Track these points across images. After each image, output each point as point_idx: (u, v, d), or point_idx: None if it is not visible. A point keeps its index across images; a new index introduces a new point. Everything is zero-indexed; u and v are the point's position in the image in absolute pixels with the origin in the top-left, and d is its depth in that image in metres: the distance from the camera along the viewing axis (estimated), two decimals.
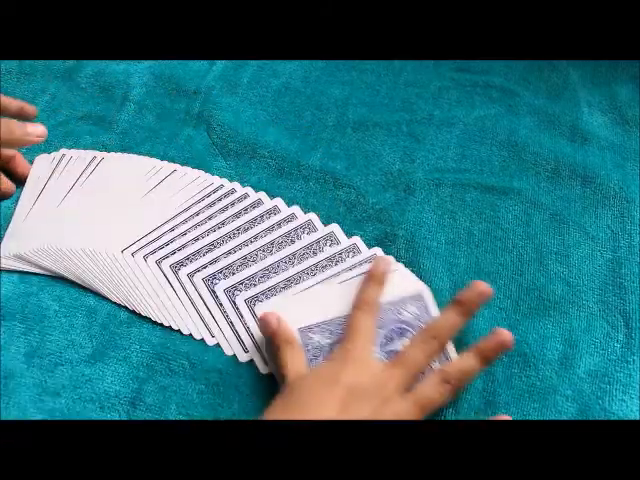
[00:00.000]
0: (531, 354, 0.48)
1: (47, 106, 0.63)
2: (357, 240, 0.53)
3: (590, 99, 0.63)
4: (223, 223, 0.53)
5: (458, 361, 0.45)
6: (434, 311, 0.48)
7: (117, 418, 0.45)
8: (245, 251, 0.52)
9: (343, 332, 0.46)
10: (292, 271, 0.51)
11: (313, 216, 0.54)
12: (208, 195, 0.55)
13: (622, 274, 0.52)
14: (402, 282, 0.49)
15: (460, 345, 0.49)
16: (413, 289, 0.49)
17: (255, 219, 0.54)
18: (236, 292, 0.50)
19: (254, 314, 0.49)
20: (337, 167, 0.59)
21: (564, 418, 0.45)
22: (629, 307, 0.50)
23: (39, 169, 0.57)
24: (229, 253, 0.52)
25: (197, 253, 0.52)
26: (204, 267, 0.51)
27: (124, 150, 0.60)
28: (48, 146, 0.59)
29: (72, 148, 0.60)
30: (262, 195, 0.56)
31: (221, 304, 0.49)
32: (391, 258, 0.51)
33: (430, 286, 0.52)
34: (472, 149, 0.60)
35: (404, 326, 0.47)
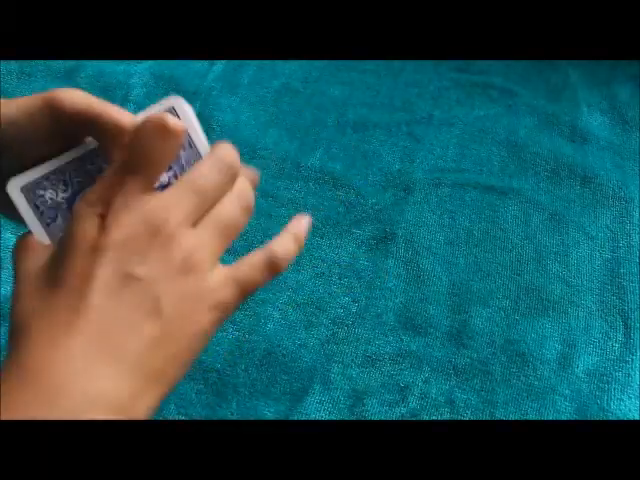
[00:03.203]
0: (530, 354, 0.48)
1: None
2: None
3: (590, 99, 0.63)
4: None
5: (281, 243, 0.31)
6: (195, 123, 0.35)
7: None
8: None
9: (83, 180, 0.33)
10: None
11: None
12: None
13: (621, 274, 0.52)
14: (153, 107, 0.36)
15: (459, 344, 0.49)
16: (165, 105, 0.35)
17: None
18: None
19: None
20: (337, 167, 0.59)
21: (562, 417, 0.46)
22: (628, 307, 0.50)
23: None
24: None
25: None
26: None
27: None
28: None
29: None
30: None
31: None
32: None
33: (430, 286, 0.52)
34: (471, 149, 0.60)
35: None
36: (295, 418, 0.46)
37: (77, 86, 0.67)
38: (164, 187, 0.34)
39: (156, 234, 0.28)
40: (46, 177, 0.34)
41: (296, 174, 0.58)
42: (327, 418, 0.46)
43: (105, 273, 0.27)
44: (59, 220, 0.35)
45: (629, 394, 0.46)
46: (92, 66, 0.65)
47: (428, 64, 0.66)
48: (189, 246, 0.28)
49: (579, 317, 0.50)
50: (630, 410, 0.46)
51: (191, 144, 0.35)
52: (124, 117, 0.34)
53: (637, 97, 0.63)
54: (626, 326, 0.49)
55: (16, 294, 0.29)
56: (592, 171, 0.58)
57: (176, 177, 0.35)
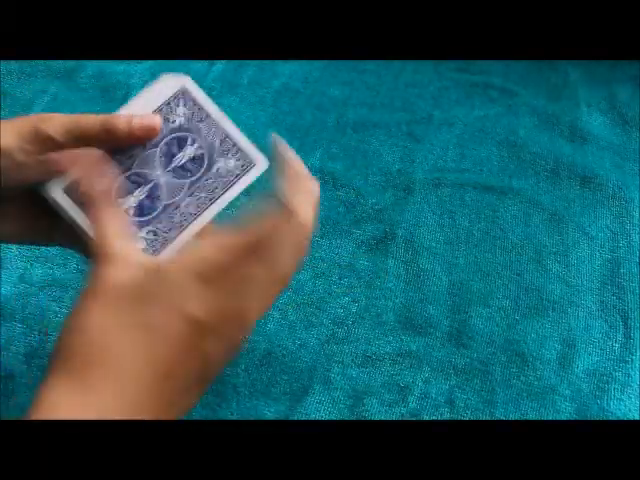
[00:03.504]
0: (529, 353, 0.48)
1: (48, 106, 0.63)
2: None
3: (589, 99, 0.63)
4: None
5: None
6: (206, 101, 0.39)
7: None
8: None
9: (116, 170, 0.36)
10: None
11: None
12: None
13: (621, 274, 0.52)
14: (157, 84, 0.38)
15: (459, 344, 0.49)
16: (173, 85, 0.38)
17: None
18: None
19: None
20: (337, 167, 0.59)
21: (562, 417, 0.46)
22: (628, 307, 0.50)
23: None
24: None
25: None
26: None
27: None
28: None
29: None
30: None
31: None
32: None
33: (430, 286, 0.52)
34: (471, 149, 0.60)
35: (181, 134, 0.38)
36: (295, 418, 0.46)
37: (77, 86, 0.68)
38: (193, 159, 0.38)
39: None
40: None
41: None
42: (327, 418, 0.46)
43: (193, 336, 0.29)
44: None
45: (629, 394, 0.46)
46: (92, 66, 0.65)
47: (428, 64, 0.66)
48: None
49: (579, 317, 0.50)
50: (630, 410, 0.46)
51: (208, 115, 0.38)
52: (114, 121, 0.35)
53: (637, 97, 0.63)
54: (626, 326, 0.49)
55: (90, 306, 0.29)
56: (592, 171, 0.58)
57: (202, 148, 0.38)
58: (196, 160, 0.38)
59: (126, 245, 0.32)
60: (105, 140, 0.35)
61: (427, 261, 0.53)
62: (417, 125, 0.61)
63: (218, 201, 0.39)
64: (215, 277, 0.29)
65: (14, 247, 0.53)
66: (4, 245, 0.53)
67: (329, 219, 0.55)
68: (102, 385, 0.28)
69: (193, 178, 0.38)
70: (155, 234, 0.38)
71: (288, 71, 0.66)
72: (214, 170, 0.38)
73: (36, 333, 0.49)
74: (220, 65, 0.66)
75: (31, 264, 0.53)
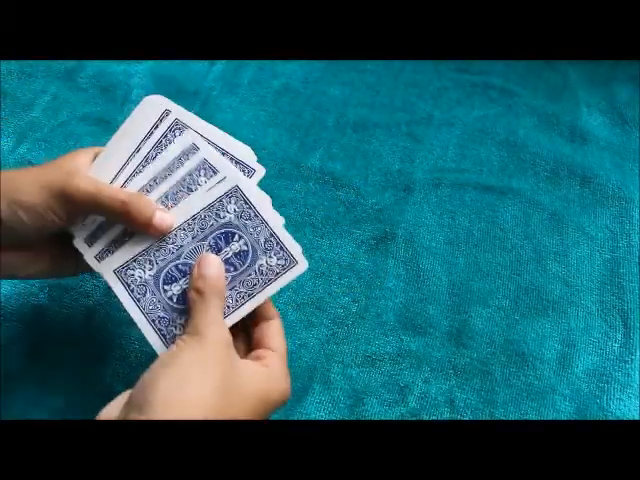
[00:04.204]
0: (529, 353, 0.48)
1: (48, 106, 0.63)
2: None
3: (589, 99, 0.63)
4: None
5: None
6: (257, 200, 0.41)
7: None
8: None
9: (166, 258, 0.39)
10: None
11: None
12: None
13: (620, 274, 0.52)
14: (212, 180, 0.41)
15: (459, 344, 0.49)
16: (228, 184, 0.40)
17: None
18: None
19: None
20: (337, 167, 0.59)
21: (562, 417, 0.46)
22: (627, 307, 0.50)
23: None
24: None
25: None
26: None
27: None
28: (49, 146, 0.59)
29: (73, 149, 0.60)
30: None
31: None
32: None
33: (430, 286, 0.52)
34: (471, 149, 0.60)
35: (229, 229, 0.40)
36: (295, 418, 0.46)
37: (77, 86, 0.67)
38: (238, 254, 0.40)
39: None
40: (134, 259, 0.40)
41: (296, 174, 0.58)
42: (327, 418, 0.46)
43: None
44: (148, 295, 0.39)
45: (629, 394, 0.46)
46: (92, 66, 0.65)
47: (428, 64, 0.66)
48: None
49: (579, 317, 0.50)
50: (630, 410, 0.46)
51: (257, 214, 0.40)
52: (125, 196, 0.38)
53: (637, 97, 0.63)
54: (626, 326, 0.49)
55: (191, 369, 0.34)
56: (592, 171, 0.58)
57: (246, 245, 0.40)
58: (240, 255, 0.40)
59: (223, 334, 0.36)
60: (121, 219, 0.39)
61: (427, 261, 0.53)
62: (417, 125, 0.61)
63: (256, 297, 0.40)
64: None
65: None
66: None
67: (329, 219, 0.55)
68: None
69: (235, 273, 0.40)
70: None
71: (288, 71, 0.66)
72: (256, 267, 0.40)
73: (36, 333, 0.49)
74: (220, 65, 0.66)
75: None
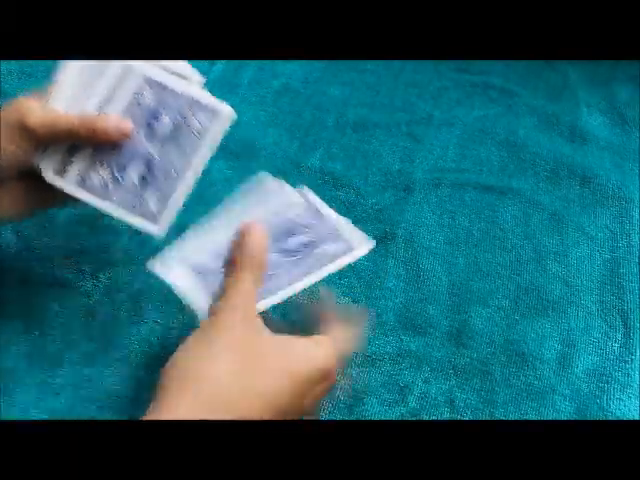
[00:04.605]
0: (529, 353, 0.48)
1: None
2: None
3: (589, 99, 0.63)
4: None
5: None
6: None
7: (117, 418, 0.45)
8: None
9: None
10: None
11: None
12: None
13: (620, 274, 0.52)
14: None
15: (459, 344, 0.49)
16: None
17: None
18: None
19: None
20: (337, 167, 0.59)
21: (562, 417, 0.46)
22: (627, 307, 0.50)
23: None
24: None
25: None
26: None
27: None
28: None
29: None
30: None
31: None
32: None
33: (429, 286, 0.52)
34: (471, 149, 0.60)
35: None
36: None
37: None
38: (306, 245, 0.44)
39: None
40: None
41: (296, 174, 0.58)
42: (327, 418, 0.46)
43: None
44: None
45: (629, 394, 0.46)
46: None
47: (428, 64, 0.66)
48: None
49: (579, 317, 0.50)
50: (630, 410, 0.46)
51: (321, 217, 0.45)
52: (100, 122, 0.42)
53: (637, 97, 0.63)
54: (626, 326, 0.49)
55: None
56: (592, 171, 0.58)
57: (312, 243, 0.44)
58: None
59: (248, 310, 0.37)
60: (84, 135, 0.41)
61: (427, 261, 0.53)
62: (417, 125, 0.61)
63: (323, 269, 0.44)
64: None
65: (14, 247, 0.53)
66: (4, 245, 0.53)
67: None
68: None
69: (299, 257, 0.44)
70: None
71: (288, 71, 0.66)
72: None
73: (36, 333, 0.49)
74: (220, 65, 0.66)
75: (31, 264, 0.53)
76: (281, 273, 0.44)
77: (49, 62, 0.65)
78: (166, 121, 0.44)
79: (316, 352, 0.37)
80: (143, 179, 0.44)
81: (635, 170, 0.58)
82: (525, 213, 0.56)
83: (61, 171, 0.43)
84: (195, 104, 0.44)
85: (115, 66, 0.46)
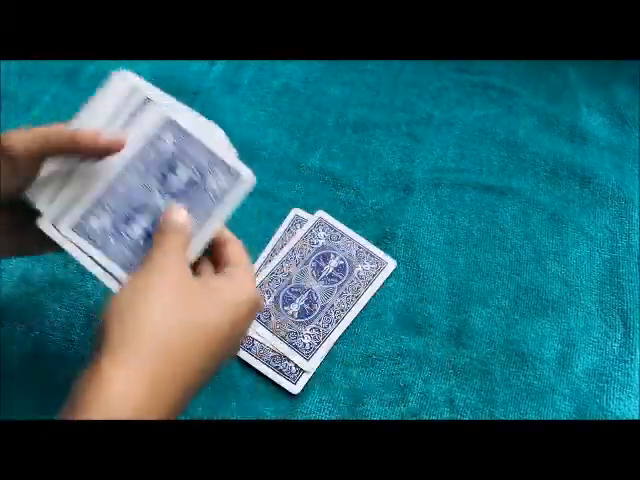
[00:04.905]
0: (529, 353, 0.48)
1: (48, 107, 0.63)
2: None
3: (589, 100, 0.63)
4: None
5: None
6: (339, 225, 0.46)
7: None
8: None
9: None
10: None
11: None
12: None
13: (620, 274, 0.52)
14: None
15: (459, 344, 0.49)
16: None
17: None
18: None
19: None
20: (337, 167, 0.59)
21: (562, 417, 0.46)
22: (627, 307, 0.50)
23: None
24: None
25: None
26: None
27: None
28: None
29: None
30: None
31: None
32: None
33: (429, 286, 0.52)
34: (471, 149, 0.60)
35: (324, 252, 0.48)
36: (295, 418, 0.46)
37: (78, 86, 0.67)
38: (337, 268, 0.51)
39: None
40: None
41: (296, 174, 0.58)
42: (327, 418, 0.46)
43: None
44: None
45: (628, 394, 0.46)
46: (93, 66, 0.65)
47: (428, 64, 0.66)
48: None
49: (578, 317, 0.50)
50: (629, 410, 0.46)
51: (342, 234, 0.52)
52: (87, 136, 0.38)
53: (637, 98, 0.63)
54: (625, 326, 0.49)
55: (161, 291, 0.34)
56: (591, 171, 0.58)
57: (342, 259, 0.51)
58: (339, 269, 0.51)
59: (178, 261, 0.37)
60: (70, 147, 0.38)
61: (427, 261, 0.53)
62: (417, 125, 0.62)
63: (362, 297, 0.51)
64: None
65: None
66: None
67: None
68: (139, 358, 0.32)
69: (339, 283, 0.51)
70: (317, 330, 0.49)
71: (288, 71, 0.66)
72: (355, 274, 0.51)
73: (36, 333, 0.49)
74: (220, 65, 0.66)
75: (31, 264, 0.53)
76: (333, 303, 0.50)
77: (49, 62, 0.66)
78: (182, 175, 0.40)
79: (245, 284, 0.37)
80: (148, 236, 0.39)
81: (635, 170, 0.58)
82: (525, 213, 0.56)
83: (57, 213, 0.39)
84: (217, 162, 0.40)
85: (137, 97, 0.42)
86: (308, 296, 0.50)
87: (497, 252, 0.54)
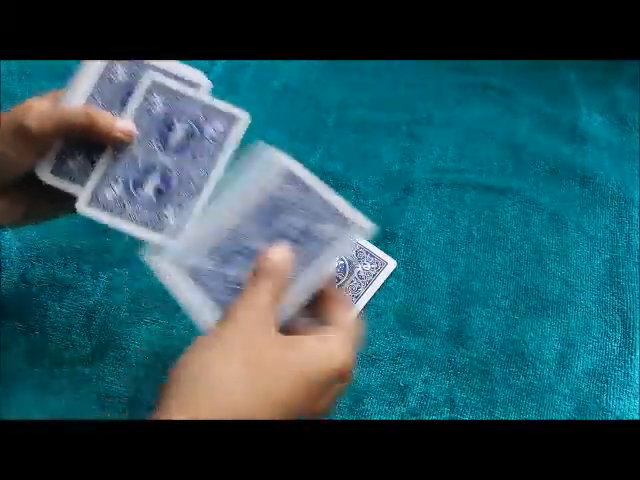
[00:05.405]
0: (529, 353, 0.48)
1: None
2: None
3: (589, 100, 0.63)
4: None
5: None
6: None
7: (117, 418, 0.45)
8: None
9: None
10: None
11: None
12: None
13: (620, 274, 0.52)
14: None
15: (459, 344, 0.49)
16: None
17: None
18: None
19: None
20: (337, 167, 0.59)
21: (562, 417, 0.46)
22: (627, 306, 0.50)
23: None
24: None
25: None
26: None
27: None
28: None
29: None
30: None
31: None
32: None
33: (429, 286, 0.52)
34: (471, 149, 0.60)
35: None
36: None
37: None
38: (337, 267, 0.51)
39: None
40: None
41: None
42: (327, 418, 0.46)
43: None
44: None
45: (628, 393, 0.46)
46: None
47: (428, 64, 0.66)
48: None
49: (578, 317, 0.50)
50: (629, 410, 0.46)
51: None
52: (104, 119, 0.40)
53: (637, 98, 0.63)
54: (625, 326, 0.49)
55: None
56: (591, 171, 0.58)
57: (342, 259, 0.51)
58: (340, 269, 0.51)
59: (260, 316, 0.34)
60: (86, 130, 0.39)
61: (427, 261, 0.53)
62: (417, 125, 0.62)
63: (362, 298, 0.51)
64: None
65: (14, 247, 0.53)
66: (5, 245, 0.53)
67: None
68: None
69: (340, 282, 0.51)
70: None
71: (288, 71, 0.66)
72: (355, 274, 0.51)
73: (36, 333, 0.49)
74: (220, 65, 0.66)
75: (31, 264, 0.53)
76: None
77: (49, 62, 0.66)
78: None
79: (332, 351, 0.34)
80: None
81: (635, 170, 0.58)
82: (525, 213, 0.56)
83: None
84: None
85: (121, 69, 0.45)
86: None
87: (497, 252, 0.54)
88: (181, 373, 0.32)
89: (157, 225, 0.41)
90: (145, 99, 0.42)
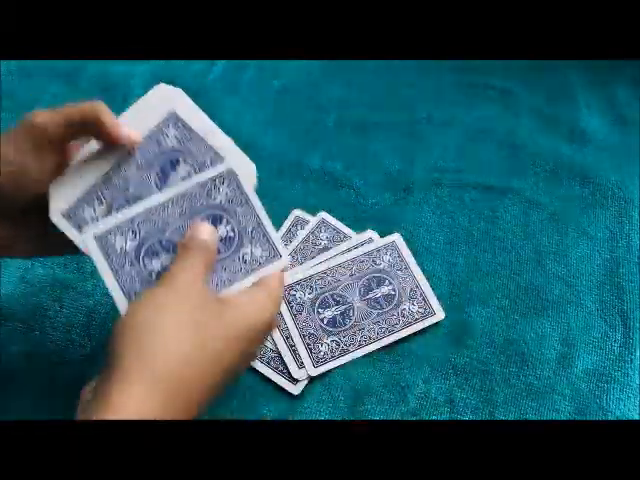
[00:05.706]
0: (529, 353, 0.48)
1: (48, 107, 0.62)
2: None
3: (589, 100, 0.63)
4: None
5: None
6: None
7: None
8: None
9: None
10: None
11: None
12: None
13: (620, 274, 0.52)
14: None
15: (459, 344, 0.49)
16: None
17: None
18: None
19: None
20: (337, 167, 0.59)
21: (562, 417, 0.46)
22: (627, 307, 0.50)
23: None
24: None
25: None
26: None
27: None
28: None
29: None
30: None
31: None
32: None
33: (429, 286, 0.52)
34: (471, 149, 0.60)
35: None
36: (295, 418, 0.46)
37: (78, 86, 0.67)
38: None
39: None
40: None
41: (296, 174, 0.58)
42: (327, 418, 0.46)
43: None
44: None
45: (628, 394, 0.46)
46: (93, 66, 0.66)
47: (428, 64, 0.66)
48: None
49: (578, 317, 0.50)
50: (629, 410, 0.46)
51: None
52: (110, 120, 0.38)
53: (637, 98, 0.63)
54: (625, 326, 0.49)
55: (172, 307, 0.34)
56: (591, 171, 0.58)
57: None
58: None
59: (197, 279, 0.36)
60: (92, 124, 0.37)
61: (427, 261, 0.53)
62: (417, 125, 0.62)
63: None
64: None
65: None
66: None
67: None
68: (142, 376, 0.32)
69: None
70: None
71: (288, 71, 0.66)
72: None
73: (36, 333, 0.49)
74: (220, 65, 0.66)
75: (31, 264, 0.53)
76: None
77: (49, 62, 0.66)
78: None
79: (262, 307, 0.37)
80: (332, 321, 0.49)
81: (635, 170, 0.58)
82: (525, 213, 0.56)
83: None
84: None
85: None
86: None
87: (497, 252, 0.54)
88: (129, 335, 0.33)
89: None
90: (159, 127, 0.40)
